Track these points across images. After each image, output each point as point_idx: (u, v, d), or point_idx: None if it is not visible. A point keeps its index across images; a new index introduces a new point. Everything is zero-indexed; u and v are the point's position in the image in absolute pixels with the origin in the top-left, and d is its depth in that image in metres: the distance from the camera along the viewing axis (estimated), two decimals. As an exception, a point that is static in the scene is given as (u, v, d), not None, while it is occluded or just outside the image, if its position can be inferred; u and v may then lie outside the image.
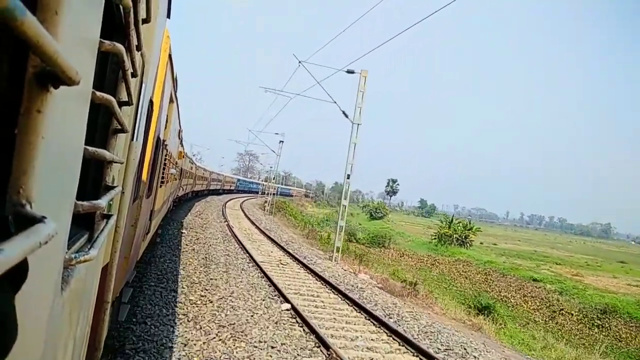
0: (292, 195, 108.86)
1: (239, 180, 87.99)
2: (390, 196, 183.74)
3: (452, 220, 63.39)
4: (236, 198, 61.44)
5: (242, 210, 38.33)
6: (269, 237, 22.63)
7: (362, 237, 49.15)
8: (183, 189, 26.25)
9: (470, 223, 64.72)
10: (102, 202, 1.50)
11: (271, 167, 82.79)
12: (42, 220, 0.63)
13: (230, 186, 76.51)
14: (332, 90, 21.18)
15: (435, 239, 60.22)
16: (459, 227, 61.00)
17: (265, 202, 48.94)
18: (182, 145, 18.45)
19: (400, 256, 45.24)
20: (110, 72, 1.74)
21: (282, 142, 43.95)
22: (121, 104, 1.80)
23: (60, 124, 0.82)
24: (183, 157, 19.45)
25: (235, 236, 20.99)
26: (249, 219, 31.60)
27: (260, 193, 78.75)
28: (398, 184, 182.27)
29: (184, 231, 19.65)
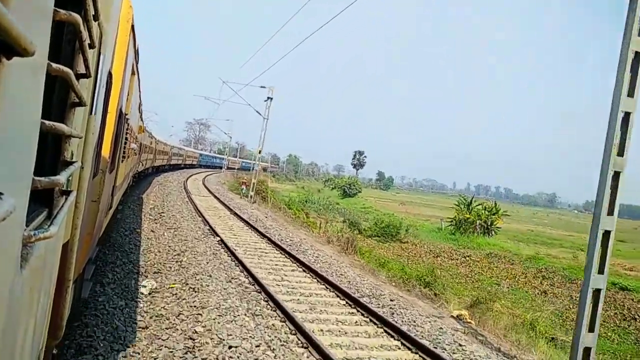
0: (252, 169, 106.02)
1: (201, 154, 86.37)
2: (357, 169, 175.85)
3: (471, 202, 49.34)
4: (198, 174, 55.29)
5: (219, 200, 27.85)
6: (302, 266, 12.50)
7: (367, 228, 37.51)
8: (143, 164, 25.63)
9: (495, 205, 48.76)
10: (61, 177, 1.46)
11: (230, 138, 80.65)
12: (-1, 197, 0.61)
13: (192, 161, 74.86)
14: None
15: (450, 225, 47.06)
16: (482, 211, 46.95)
17: (241, 182, 40.19)
18: (141, 120, 17.97)
19: (433, 256, 32.44)
20: (66, 43, 1.67)
21: (271, 99, 32.05)
22: (78, 76, 1.74)
23: (15, 97, 0.79)
24: (143, 131, 19.00)
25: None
26: (236, 214, 21.92)
27: (225, 168, 77.49)
28: (365, 157, 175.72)
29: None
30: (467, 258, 32.71)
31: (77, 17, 1.38)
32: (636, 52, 6.81)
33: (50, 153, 1.66)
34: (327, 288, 10.49)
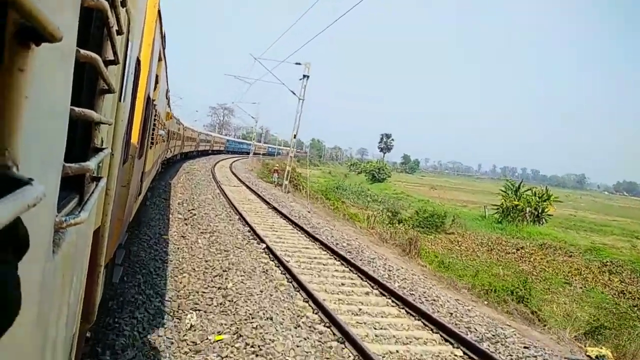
0: (278, 154, 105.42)
1: (228, 140, 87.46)
2: (384, 152, 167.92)
3: (519, 187, 44.62)
4: (224, 160, 53.94)
5: (252, 190, 25.49)
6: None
7: (408, 218, 33.30)
8: (171, 151, 26.00)
9: (547, 191, 44.10)
10: (91, 164, 1.48)
11: (256, 122, 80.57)
12: (29, 183, 0.61)
13: (220, 147, 75.93)
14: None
15: (497, 212, 42.86)
16: (532, 197, 42.46)
17: (273, 170, 37.88)
18: (169, 106, 18.18)
19: (486, 249, 28.60)
20: (94, 30, 1.68)
21: (307, 77, 29.10)
22: (107, 63, 1.74)
23: (44, 83, 0.79)
24: (171, 117, 19.21)
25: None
26: (274, 208, 19.46)
27: (252, 154, 78.15)
28: (392, 140, 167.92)
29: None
30: (520, 250, 28.82)
31: (105, 3, 1.38)
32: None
33: (80, 140, 1.68)
34: (431, 329, 7.57)
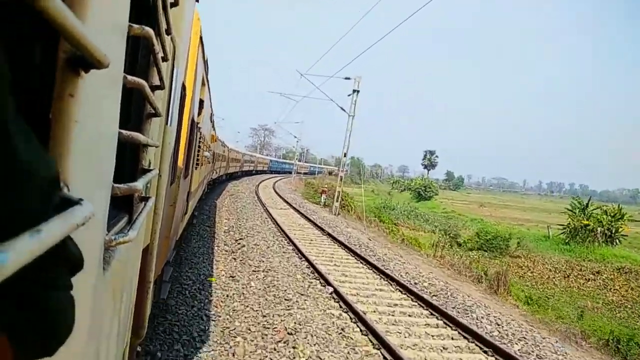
0: (319, 173, 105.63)
1: (271, 160, 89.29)
2: (429, 170, 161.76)
3: (587, 205, 41.27)
4: (267, 180, 53.38)
5: (301, 214, 23.75)
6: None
7: (467, 239, 31.29)
8: (217, 172, 26.66)
9: (619, 209, 40.30)
10: (139, 184, 1.54)
11: (298, 141, 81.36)
12: (79, 202, 0.64)
13: (263, 167, 77.75)
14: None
15: (563, 233, 38.88)
16: (603, 216, 38.70)
17: (321, 191, 35.40)
18: (214, 129, 18.68)
19: (562, 275, 25.67)
20: (141, 57, 1.76)
21: (357, 91, 27.67)
22: (153, 88, 1.82)
23: (93, 108, 0.83)
24: (215, 140, 19.71)
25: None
26: (330, 235, 17.68)
27: (294, 173, 79.19)
28: (437, 156, 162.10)
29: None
30: (597, 275, 25.45)
31: (150, 32, 1.45)
32: None
33: (129, 161, 1.76)
34: None
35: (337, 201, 27.50)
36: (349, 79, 27.54)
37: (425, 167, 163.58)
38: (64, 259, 0.62)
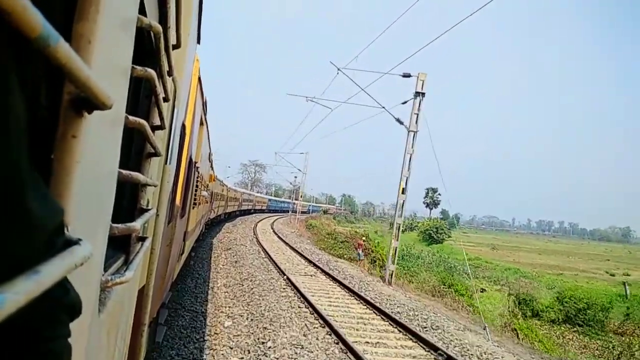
0: (313, 212, 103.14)
1: (270, 200, 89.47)
2: (431, 208, 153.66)
3: None
4: (261, 221, 47.44)
5: (335, 280, 16.56)
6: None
7: (545, 307, 22.89)
8: (215, 212, 26.58)
9: None
10: (137, 224, 1.53)
11: (294, 180, 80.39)
12: (77, 243, 0.64)
13: (262, 206, 77.74)
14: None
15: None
16: None
17: (357, 244, 28.66)
18: (212, 169, 18.75)
19: None
20: (143, 98, 1.79)
21: (422, 94, 21.74)
22: (154, 128, 1.84)
23: (94, 148, 0.84)
24: (214, 180, 19.75)
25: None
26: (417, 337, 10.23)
27: (291, 212, 78.93)
28: (439, 194, 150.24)
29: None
30: None
31: (153, 73, 1.48)
32: None
33: (128, 200, 1.75)
34: None
35: (393, 263, 19.00)
36: (408, 76, 19.04)
37: (427, 205, 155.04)
38: (64, 304, 0.61)
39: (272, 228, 39.54)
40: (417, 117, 19.24)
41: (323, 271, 18.52)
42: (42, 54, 0.50)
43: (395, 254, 19.17)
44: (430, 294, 20.22)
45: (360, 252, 26.36)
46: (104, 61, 0.83)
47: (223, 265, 17.57)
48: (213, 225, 31.07)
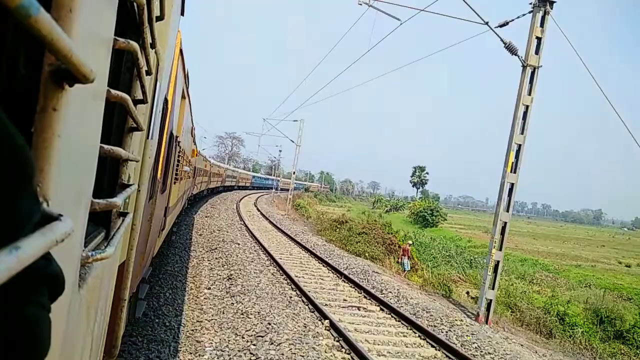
0: (296, 189, 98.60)
1: (254, 176, 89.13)
2: (418, 188, 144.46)
3: None
4: (245, 199, 46.23)
5: (382, 304, 10.98)
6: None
7: (632, 326, 15.68)
8: (198, 187, 26.40)
9: None
10: (118, 200, 1.51)
11: (280, 154, 77.41)
12: (58, 218, 0.63)
13: (246, 183, 77.40)
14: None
15: None
16: None
17: (403, 252, 20.10)
18: (194, 143, 18.55)
19: None
20: (125, 70, 1.75)
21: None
22: (136, 102, 1.81)
23: (75, 122, 0.82)
24: (196, 154, 19.55)
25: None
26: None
27: (275, 189, 78.75)
28: (427, 173, 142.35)
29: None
30: None
31: (135, 46, 1.44)
32: None
33: (109, 176, 1.73)
34: None
35: (492, 288, 11.96)
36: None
37: (415, 184, 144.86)
38: (46, 279, 0.60)
39: (257, 208, 36.85)
40: (540, 42, 11.84)
41: (370, 295, 11.81)
42: (20, 24, 0.48)
43: (496, 272, 12.05)
44: (533, 330, 13.66)
45: (406, 260, 20.06)
46: (86, 32, 0.80)
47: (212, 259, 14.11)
48: (196, 201, 30.86)
